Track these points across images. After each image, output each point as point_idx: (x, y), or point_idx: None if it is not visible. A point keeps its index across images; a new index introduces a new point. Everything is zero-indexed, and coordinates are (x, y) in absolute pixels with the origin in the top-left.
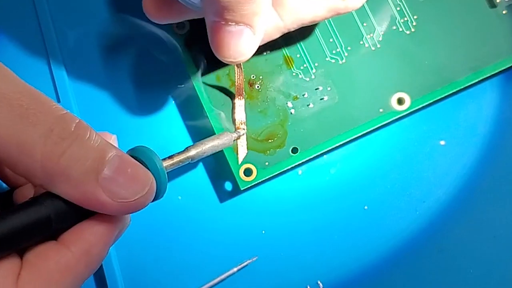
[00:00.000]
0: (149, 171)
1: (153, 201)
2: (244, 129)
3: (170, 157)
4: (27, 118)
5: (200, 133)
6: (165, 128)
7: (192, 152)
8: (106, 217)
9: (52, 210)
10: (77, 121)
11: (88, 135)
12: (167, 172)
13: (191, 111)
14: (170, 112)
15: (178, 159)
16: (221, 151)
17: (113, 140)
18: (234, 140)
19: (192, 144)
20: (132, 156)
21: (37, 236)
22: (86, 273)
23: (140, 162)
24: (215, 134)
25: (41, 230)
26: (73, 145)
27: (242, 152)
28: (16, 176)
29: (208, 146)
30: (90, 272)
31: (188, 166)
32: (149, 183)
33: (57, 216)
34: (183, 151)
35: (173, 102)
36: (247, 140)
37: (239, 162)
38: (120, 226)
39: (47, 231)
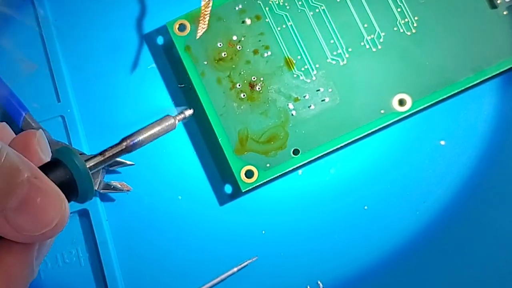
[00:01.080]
0: (62, 197)
1: (80, 202)
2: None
3: (102, 153)
4: None
5: (200, 134)
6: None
7: (129, 143)
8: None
9: None
10: None
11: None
12: (103, 168)
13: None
14: (170, 113)
15: (110, 154)
16: (222, 153)
17: (37, 140)
18: (178, 122)
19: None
20: (54, 161)
21: None
22: None
23: (63, 165)
24: (216, 136)
25: None
26: None
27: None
28: None
29: (147, 135)
30: None
31: (188, 166)
32: (59, 215)
33: None
34: (118, 144)
35: (173, 102)
36: (247, 141)
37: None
38: (35, 248)
39: None
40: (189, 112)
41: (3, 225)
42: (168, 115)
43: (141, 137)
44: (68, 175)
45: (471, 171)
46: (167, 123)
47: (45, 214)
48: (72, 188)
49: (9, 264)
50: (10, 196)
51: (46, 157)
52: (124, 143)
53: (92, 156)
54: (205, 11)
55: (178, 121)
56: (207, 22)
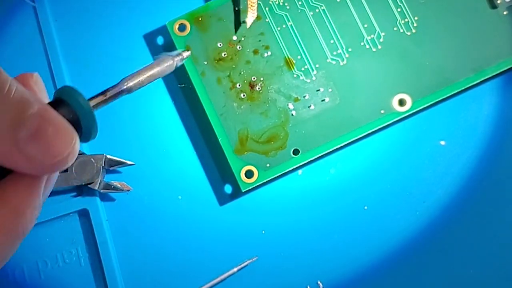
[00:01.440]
0: (72, 129)
1: (84, 142)
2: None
3: (103, 92)
4: None
5: (200, 134)
6: (165, 129)
7: (129, 83)
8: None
9: None
10: None
11: (6, 89)
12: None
13: (191, 112)
14: (170, 113)
15: (111, 94)
16: (222, 153)
17: (35, 81)
18: (177, 65)
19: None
20: (57, 100)
21: None
22: (18, 231)
23: (66, 104)
24: (216, 136)
25: None
26: None
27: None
28: None
29: (146, 75)
30: (22, 229)
31: (188, 166)
32: (71, 145)
33: None
34: (118, 84)
35: (173, 102)
36: (247, 141)
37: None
38: (44, 180)
39: None
40: (186, 53)
41: (15, 156)
42: (166, 56)
43: (140, 78)
44: (72, 113)
45: (471, 171)
46: (165, 64)
47: (56, 144)
48: (76, 127)
49: (17, 199)
50: (21, 127)
51: (44, 99)
52: (125, 83)
53: (93, 96)
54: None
55: (176, 62)
56: (256, 10)
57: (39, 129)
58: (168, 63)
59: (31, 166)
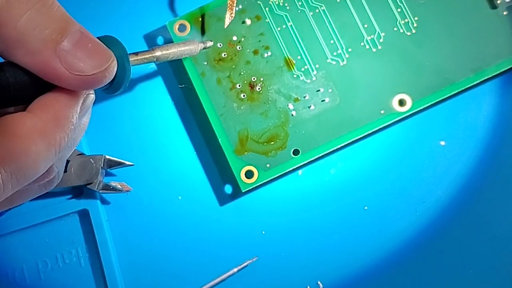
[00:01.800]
0: (109, 50)
1: (114, 92)
2: (211, 41)
3: (135, 53)
4: None
5: (200, 134)
6: (165, 129)
7: (158, 53)
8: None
9: (11, 75)
10: None
11: (51, 3)
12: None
13: (191, 112)
14: (170, 113)
15: (142, 56)
16: (222, 153)
17: None
18: (200, 50)
19: None
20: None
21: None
22: (56, 138)
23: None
24: (216, 136)
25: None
26: (33, 10)
27: (229, 16)
28: None
29: (173, 50)
30: (60, 138)
31: (188, 167)
32: (109, 60)
33: (16, 82)
34: (149, 50)
35: (173, 102)
36: (247, 141)
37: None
38: (83, 95)
39: (5, 94)
40: (210, 43)
41: (56, 65)
42: (193, 40)
43: (169, 50)
44: None
45: (471, 172)
46: (192, 46)
47: (96, 57)
48: None
49: (57, 109)
50: (63, 38)
51: None
52: (155, 50)
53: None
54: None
55: (200, 48)
56: (234, 11)
57: (79, 42)
58: (194, 46)
59: (70, 77)
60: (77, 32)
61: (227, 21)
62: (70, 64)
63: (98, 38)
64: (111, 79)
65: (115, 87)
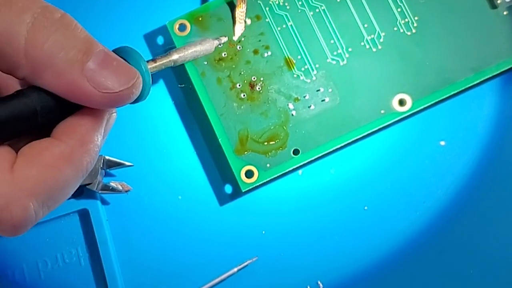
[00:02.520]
0: (135, 68)
1: (136, 102)
2: (225, 37)
3: (153, 59)
4: (8, 7)
5: (200, 134)
6: (165, 129)
7: (175, 56)
8: (92, 109)
9: (37, 101)
10: (63, 12)
11: (74, 26)
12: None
13: (191, 112)
14: (170, 113)
15: (161, 62)
16: (223, 153)
17: None
18: (215, 47)
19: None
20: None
21: (24, 126)
22: (83, 163)
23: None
24: (216, 136)
25: (27, 120)
26: (57, 33)
27: (239, 28)
28: None
29: (190, 51)
30: (86, 162)
31: (188, 167)
32: (135, 77)
33: (43, 108)
34: (166, 55)
35: (173, 102)
36: (247, 141)
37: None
38: (107, 116)
39: (33, 121)
40: (224, 39)
41: (84, 84)
42: (207, 38)
43: (185, 52)
44: None
45: (471, 172)
46: (207, 44)
47: (122, 74)
48: None
49: (83, 134)
50: (89, 58)
51: None
52: (172, 54)
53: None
54: (241, 12)
55: (216, 45)
56: (244, 23)
57: (104, 61)
58: (210, 43)
59: (98, 95)
60: (102, 52)
61: (238, 34)
62: (97, 82)
63: (115, 50)
64: (138, 95)
65: (137, 99)
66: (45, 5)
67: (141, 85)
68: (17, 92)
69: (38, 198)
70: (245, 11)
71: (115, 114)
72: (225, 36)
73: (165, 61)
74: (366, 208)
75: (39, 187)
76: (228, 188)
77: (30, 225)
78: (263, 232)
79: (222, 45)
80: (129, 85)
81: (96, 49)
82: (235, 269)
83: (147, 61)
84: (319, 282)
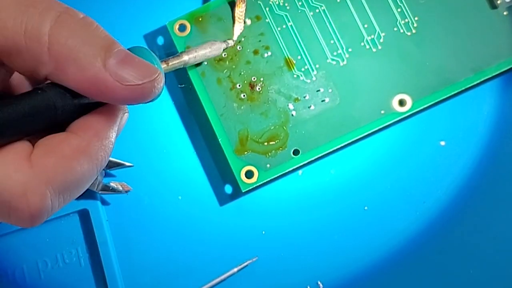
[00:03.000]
0: (154, 65)
1: (148, 102)
2: (233, 40)
3: (165, 61)
4: (34, 7)
5: (200, 134)
6: (165, 129)
7: (185, 58)
8: (108, 107)
9: (56, 96)
10: (84, 14)
11: (95, 26)
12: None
13: (191, 112)
14: (170, 113)
15: (172, 63)
16: (222, 153)
17: None
18: (223, 50)
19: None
20: None
21: (43, 121)
22: (98, 158)
23: None
24: (216, 136)
25: (46, 114)
26: (80, 30)
27: (238, 28)
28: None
29: (201, 53)
30: (101, 157)
31: (188, 167)
32: (156, 71)
33: (61, 103)
34: (177, 56)
35: (173, 102)
36: (247, 141)
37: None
38: (120, 113)
39: (51, 116)
40: (231, 42)
41: (107, 77)
42: (215, 40)
43: (196, 53)
44: None
45: (471, 172)
46: (215, 47)
47: (144, 67)
48: None
49: (98, 129)
50: (110, 54)
51: None
52: (183, 55)
53: None
54: (241, 12)
55: (223, 48)
56: (243, 23)
57: (125, 58)
58: (218, 46)
59: (121, 88)
60: (122, 51)
61: (237, 33)
62: (120, 76)
63: (129, 49)
64: (161, 91)
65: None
66: (68, 7)
67: (163, 81)
68: (35, 88)
69: (55, 187)
70: (244, 11)
71: (127, 114)
72: (233, 40)
73: (176, 62)
74: (366, 208)
75: (56, 177)
76: (228, 188)
77: (46, 215)
78: (263, 232)
79: (229, 47)
80: (150, 79)
81: (116, 47)
82: (235, 269)
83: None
84: (319, 282)
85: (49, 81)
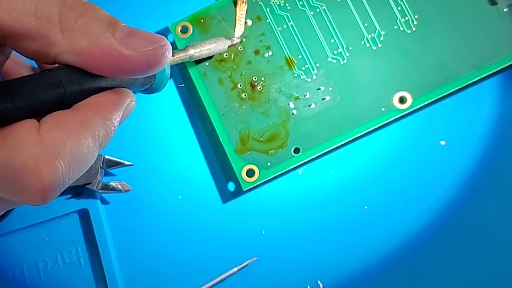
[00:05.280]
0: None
1: (154, 92)
2: (238, 38)
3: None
4: None
5: (201, 134)
6: (165, 129)
7: (191, 51)
8: (115, 91)
9: (64, 76)
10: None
11: (98, 8)
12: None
13: (191, 112)
14: (170, 112)
15: (178, 56)
16: (224, 152)
17: None
18: (228, 47)
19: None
20: None
21: (52, 100)
22: (100, 135)
23: None
24: (217, 135)
25: (55, 93)
26: (87, 11)
27: (239, 29)
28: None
29: (206, 48)
30: (102, 135)
31: (189, 166)
32: (163, 38)
33: (70, 83)
34: (183, 49)
35: (173, 102)
36: (248, 140)
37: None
38: (127, 99)
39: (60, 96)
40: (237, 40)
41: (118, 47)
42: (221, 37)
43: (201, 48)
44: None
45: (471, 171)
46: (220, 43)
47: (150, 36)
48: (151, 76)
49: (104, 107)
50: (117, 29)
51: None
52: (189, 49)
53: None
54: (241, 14)
55: (228, 45)
56: (243, 24)
57: (131, 31)
58: (223, 42)
59: (133, 55)
60: (127, 26)
61: (237, 34)
62: (131, 45)
63: None
64: (169, 59)
65: (156, 86)
66: None
67: (171, 50)
68: (43, 70)
69: (65, 160)
70: (245, 12)
71: (134, 102)
72: (238, 38)
73: (182, 55)
74: (366, 208)
75: (66, 150)
76: (229, 187)
77: (58, 190)
78: (263, 232)
79: (234, 45)
80: (162, 43)
81: (121, 24)
82: (235, 269)
83: None
84: (319, 282)
85: (57, 65)
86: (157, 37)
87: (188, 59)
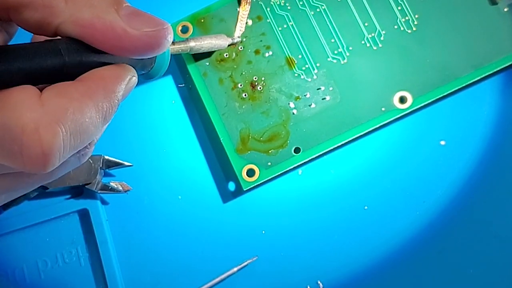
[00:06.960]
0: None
1: (152, 78)
2: (239, 37)
3: (172, 42)
4: None
5: (202, 133)
6: (165, 129)
7: (192, 43)
8: (117, 65)
9: (63, 45)
10: None
11: None
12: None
13: (191, 112)
14: (170, 112)
15: (179, 46)
16: (224, 152)
17: None
18: (228, 45)
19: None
20: None
21: (51, 67)
22: (103, 107)
23: None
24: (218, 135)
25: (54, 61)
26: None
27: (239, 29)
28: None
29: (206, 41)
30: (106, 108)
31: (189, 166)
32: (165, 22)
33: (69, 52)
34: (184, 40)
35: (173, 102)
36: (249, 140)
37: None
38: (129, 73)
39: (60, 64)
40: (237, 39)
41: (121, 24)
42: (223, 34)
43: (201, 41)
44: None
45: (471, 171)
46: (221, 39)
47: (153, 18)
48: (151, 59)
49: (106, 79)
50: (121, 7)
51: None
52: (192, 41)
53: None
54: (243, 14)
55: (228, 43)
56: (244, 24)
57: (135, 11)
58: (224, 39)
59: (135, 33)
60: (130, 6)
61: (237, 34)
62: (134, 24)
63: None
64: (169, 43)
65: (155, 71)
66: None
67: (172, 34)
68: (43, 40)
69: (66, 127)
70: (248, 12)
71: (135, 78)
72: (239, 37)
73: (182, 45)
74: (366, 208)
75: (67, 116)
76: (229, 187)
77: (58, 157)
78: (263, 232)
79: (234, 44)
80: (164, 26)
81: (124, 3)
82: (235, 269)
83: None
84: (319, 282)
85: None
86: (160, 21)
87: (188, 51)
